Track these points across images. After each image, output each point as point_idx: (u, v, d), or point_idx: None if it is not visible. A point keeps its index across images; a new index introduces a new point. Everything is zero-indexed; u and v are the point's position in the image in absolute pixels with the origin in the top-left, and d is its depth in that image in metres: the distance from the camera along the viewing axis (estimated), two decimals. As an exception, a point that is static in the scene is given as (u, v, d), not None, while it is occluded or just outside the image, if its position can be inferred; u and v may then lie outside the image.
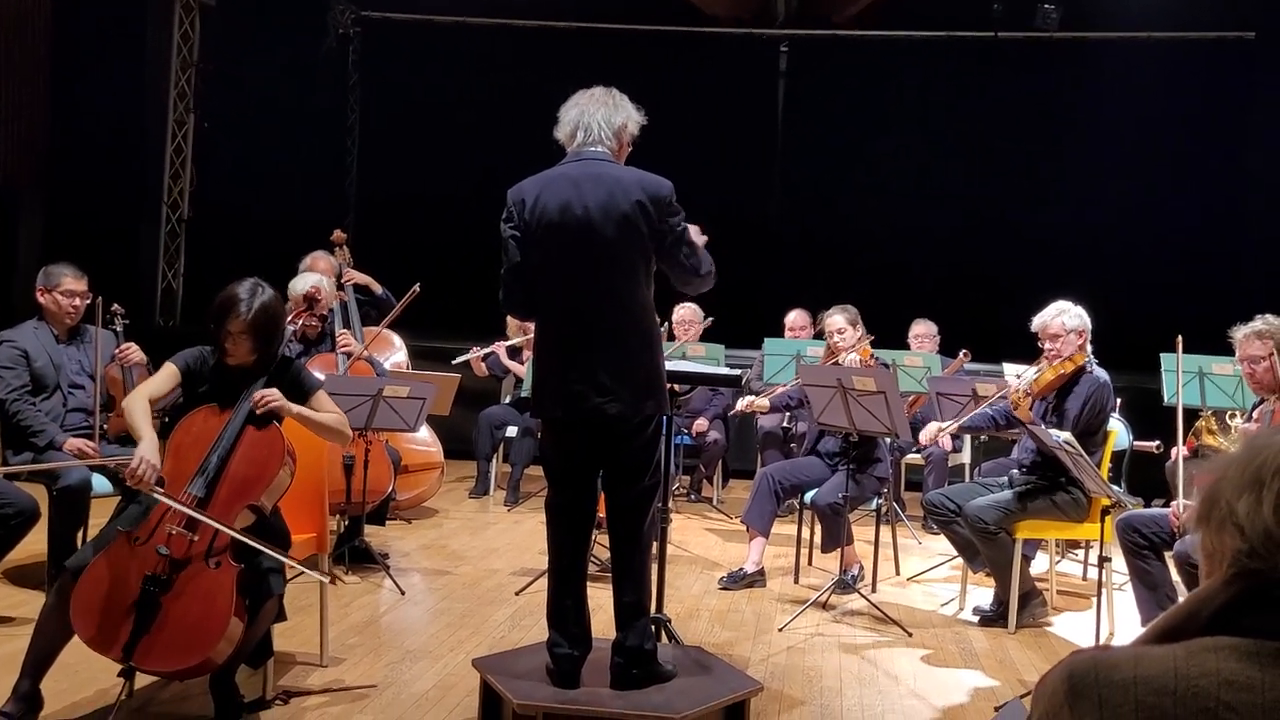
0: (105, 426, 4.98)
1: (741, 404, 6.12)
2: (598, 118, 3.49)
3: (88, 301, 4.98)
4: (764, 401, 6.07)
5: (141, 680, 3.67)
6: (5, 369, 4.79)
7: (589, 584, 3.64)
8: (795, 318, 7.79)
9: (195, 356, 3.63)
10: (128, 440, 5.05)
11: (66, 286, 4.91)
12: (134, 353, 5.03)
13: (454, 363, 7.56)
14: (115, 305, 5.27)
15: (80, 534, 4.72)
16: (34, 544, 4.62)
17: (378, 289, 6.74)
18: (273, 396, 3.49)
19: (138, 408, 3.47)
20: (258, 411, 3.48)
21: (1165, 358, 5.82)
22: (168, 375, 3.60)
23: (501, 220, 3.47)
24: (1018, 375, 5.05)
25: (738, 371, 4.69)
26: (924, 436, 5.26)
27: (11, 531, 4.28)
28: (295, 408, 3.56)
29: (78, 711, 3.49)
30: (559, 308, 3.42)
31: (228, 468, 3.43)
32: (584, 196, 3.35)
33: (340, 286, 6.31)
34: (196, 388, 3.61)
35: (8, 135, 10.91)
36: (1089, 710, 1.15)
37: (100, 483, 4.79)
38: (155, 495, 3.30)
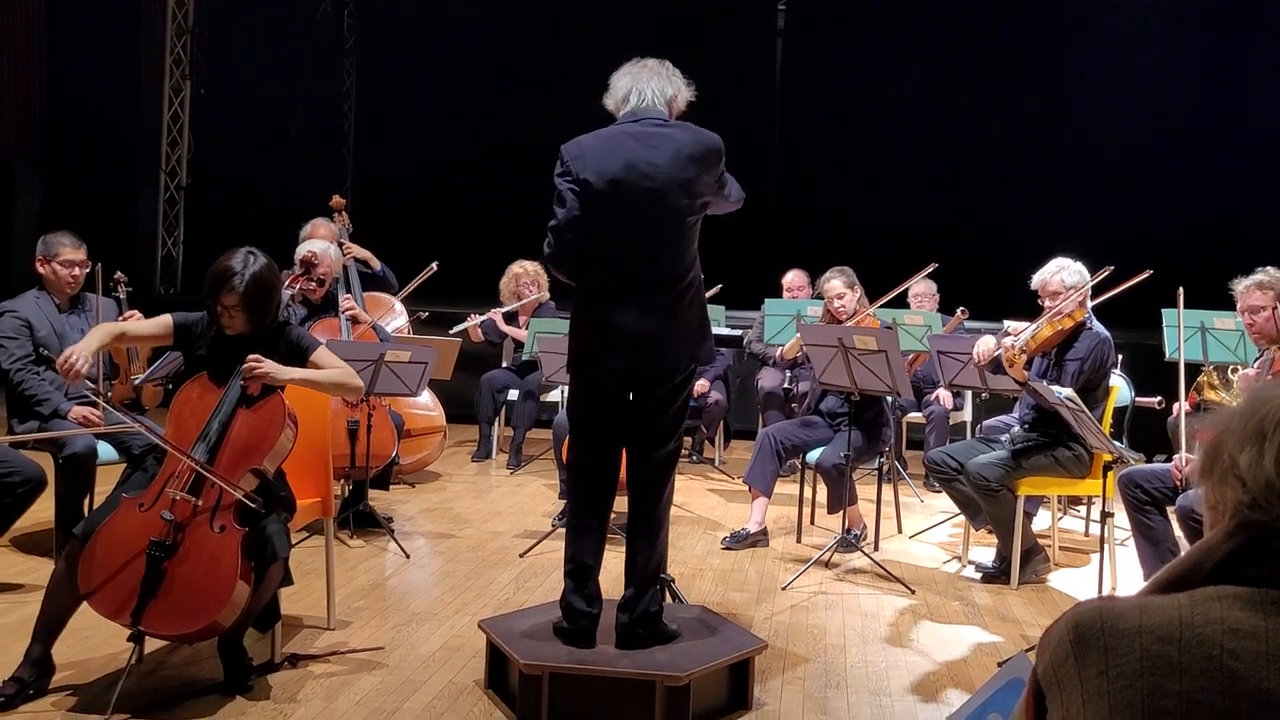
0: (109, 394, 4.99)
1: (788, 346, 6.27)
2: (651, 86, 3.52)
3: (87, 270, 4.98)
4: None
5: (151, 645, 3.71)
6: (8, 339, 4.79)
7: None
8: (793, 278, 7.78)
9: (196, 319, 3.63)
10: (133, 408, 5.07)
11: (65, 256, 4.91)
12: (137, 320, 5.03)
13: (451, 332, 7.56)
14: (118, 273, 5.27)
15: (87, 501, 4.75)
16: (41, 511, 4.65)
17: (376, 265, 6.75)
18: (261, 365, 3.45)
19: (104, 328, 3.56)
20: (245, 380, 3.46)
21: (1167, 313, 5.82)
22: (158, 323, 3.62)
23: (556, 175, 3.46)
24: (1014, 334, 4.99)
25: (738, 332, 4.69)
26: (980, 349, 4.97)
27: (19, 500, 4.30)
28: (289, 373, 3.54)
29: (88, 676, 3.52)
30: (618, 264, 3.43)
31: (229, 433, 3.44)
32: (650, 157, 3.39)
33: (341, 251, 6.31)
34: (194, 350, 3.61)
35: (3, 105, 10.86)
36: (1095, 659, 1.17)
37: (105, 450, 4.80)
38: (110, 409, 3.47)
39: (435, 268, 6.14)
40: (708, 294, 7.59)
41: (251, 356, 3.46)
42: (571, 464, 3.61)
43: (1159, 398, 5.84)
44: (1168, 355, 5.80)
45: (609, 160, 3.39)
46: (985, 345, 5.00)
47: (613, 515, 3.71)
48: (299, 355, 3.63)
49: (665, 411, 3.49)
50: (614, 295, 3.43)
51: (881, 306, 6.14)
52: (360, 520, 5.49)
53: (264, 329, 3.57)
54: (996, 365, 4.95)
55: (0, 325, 4.81)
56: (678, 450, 3.59)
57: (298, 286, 4.03)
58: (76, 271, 4.94)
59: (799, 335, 6.09)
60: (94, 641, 3.72)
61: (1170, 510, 4.47)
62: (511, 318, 7.71)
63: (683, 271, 3.46)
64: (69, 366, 3.33)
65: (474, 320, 7.53)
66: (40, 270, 4.94)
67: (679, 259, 3.45)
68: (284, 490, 3.64)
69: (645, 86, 3.50)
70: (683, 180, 3.39)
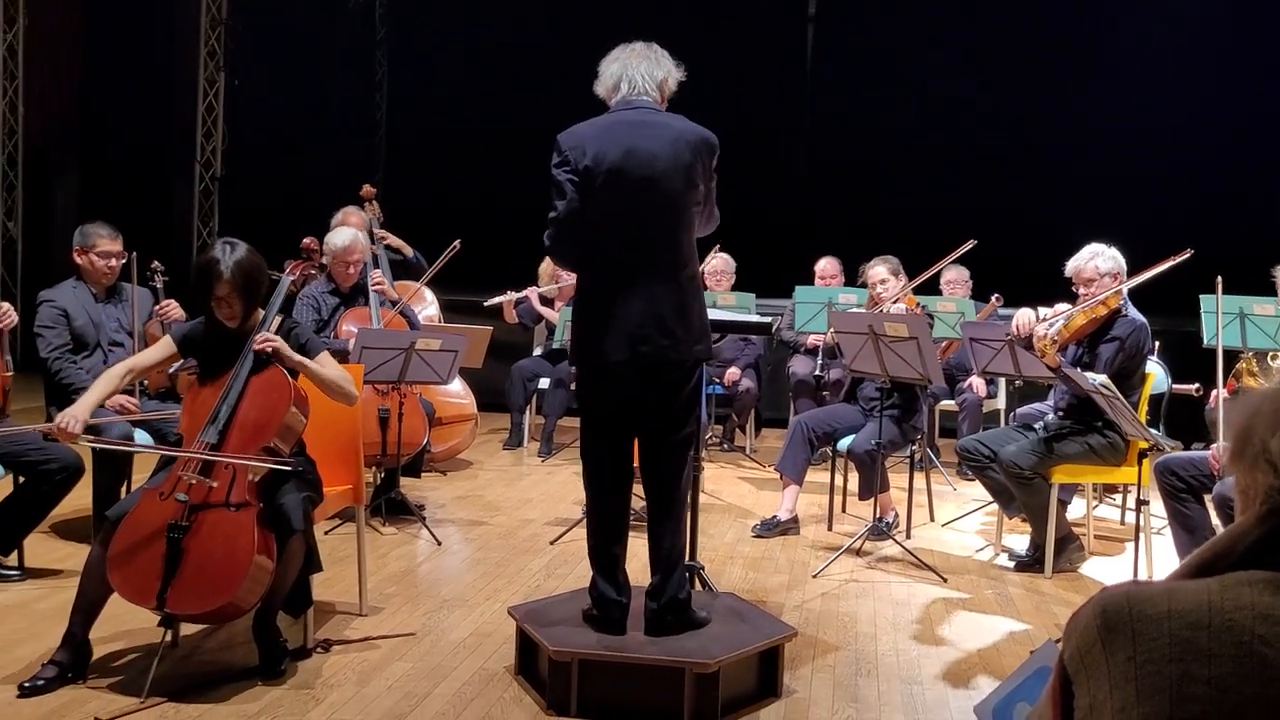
0: (145, 383, 5.04)
1: (828, 335, 6.21)
2: (640, 70, 3.50)
3: (123, 261, 5.03)
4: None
5: (187, 630, 3.76)
6: (46, 328, 4.85)
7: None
8: (826, 265, 7.74)
9: (193, 327, 3.73)
10: (168, 396, 5.13)
11: (102, 248, 4.96)
12: (174, 309, 5.08)
13: (486, 304, 7.58)
14: (155, 262, 5.32)
15: (124, 488, 4.81)
16: (79, 499, 4.71)
17: (408, 251, 6.80)
18: (273, 338, 3.57)
19: (105, 375, 3.69)
20: (256, 347, 3.54)
21: (1205, 299, 5.74)
22: (162, 346, 3.74)
23: (553, 165, 3.46)
24: (1047, 321, 4.90)
25: (767, 319, 4.67)
26: (1019, 320, 4.87)
27: (57, 487, 4.37)
28: (294, 354, 3.61)
29: (125, 659, 3.57)
30: (619, 253, 3.42)
31: (237, 414, 3.50)
32: (649, 144, 3.38)
33: (372, 240, 6.35)
34: (202, 352, 3.69)
35: (42, 97, 10.99)
36: (1122, 645, 1.15)
37: (142, 437, 4.85)
38: (90, 441, 3.72)
39: (458, 246, 6.14)
40: (733, 280, 7.68)
41: (263, 335, 3.56)
42: (586, 453, 3.60)
43: (1196, 385, 5.77)
44: (1206, 342, 5.72)
45: (607, 148, 3.38)
46: (1026, 317, 4.89)
47: (637, 506, 3.71)
48: (303, 354, 3.69)
49: (675, 397, 3.48)
50: (615, 284, 3.42)
51: (916, 291, 6.07)
52: (392, 508, 5.52)
53: (254, 311, 3.64)
54: (1030, 342, 4.88)
55: (39, 315, 4.88)
56: (693, 435, 3.59)
57: (299, 273, 4.07)
58: (113, 263, 4.99)
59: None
60: (130, 626, 3.77)
61: (1207, 498, 4.41)
62: (548, 301, 7.72)
63: (683, 260, 3.44)
64: (61, 430, 3.49)
65: (510, 296, 7.55)
66: (78, 260, 4.99)
67: (679, 247, 3.43)
68: (310, 474, 3.68)
69: (634, 72, 3.49)
70: (680, 167, 3.38)
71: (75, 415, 3.49)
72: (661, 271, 3.40)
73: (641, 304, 3.38)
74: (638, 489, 3.69)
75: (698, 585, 4.06)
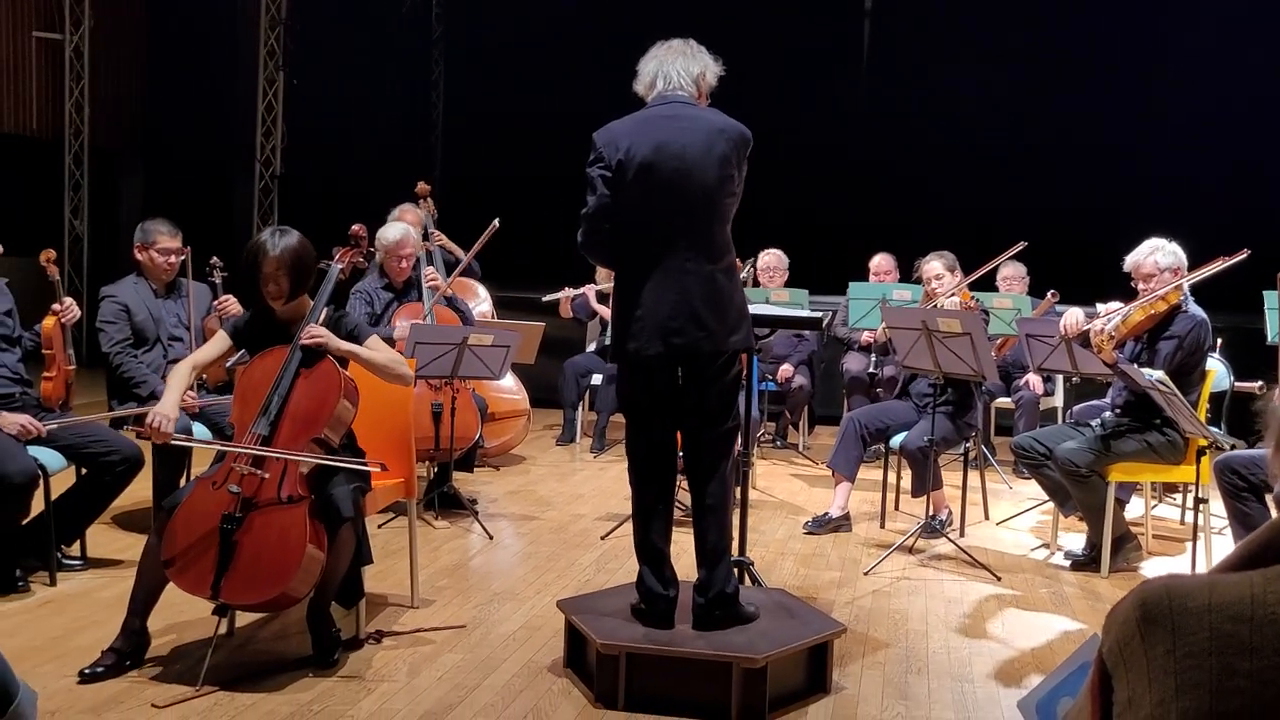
0: (204, 376, 5.13)
1: (880, 330, 6.17)
2: (676, 66, 3.51)
3: (183, 258, 5.13)
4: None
5: (243, 620, 3.83)
6: (108, 323, 4.96)
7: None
8: (880, 261, 7.67)
9: (242, 318, 3.82)
10: (226, 389, 5.22)
11: (162, 244, 5.06)
12: (232, 305, 5.17)
13: (544, 300, 7.63)
14: (214, 258, 5.42)
15: (182, 479, 4.89)
16: (140, 490, 4.81)
17: (460, 255, 6.84)
18: (319, 331, 3.62)
19: (175, 373, 3.75)
20: (303, 342, 3.60)
21: (1268, 295, 5.62)
22: (217, 340, 3.80)
23: (588, 163, 3.48)
24: (1103, 318, 4.83)
25: (818, 314, 4.65)
26: (1068, 320, 4.90)
27: (117, 478, 4.46)
28: (342, 343, 3.66)
29: (181, 648, 3.64)
30: (652, 246, 3.42)
31: (288, 405, 3.56)
32: (681, 137, 3.39)
33: (426, 237, 6.42)
34: (254, 343, 3.75)
35: (106, 97, 11.25)
36: (1161, 638, 1.13)
37: (200, 430, 4.94)
38: (182, 442, 3.78)
39: (497, 225, 6.17)
40: (787, 277, 7.64)
41: (310, 326, 3.62)
42: (628, 448, 3.61)
43: (1260, 382, 5.64)
44: (1270, 339, 5.59)
45: (640, 143, 3.39)
46: (1074, 317, 4.86)
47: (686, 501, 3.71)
48: (354, 342, 3.74)
49: (714, 390, 3.47)
50: (648, 277, 3.42)
51: (972, 287, 6.01)
52: (445, 502, 5.57)
53: (302, 294, 3.70)
54: (1087, 340, 4.81)
55: (101, 310, 4.99)
56: (734, 430, 3.58)
57: (347, 260, 4.11)
58: (173, 259, 5.09)
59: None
60: (187, 615, 3.84)
61: (1269, 497, 4.31)
62: (604, 298, 7.74)
63: (718, 252, 3.44)
64: (154, 430, 3.53)
65: (568, 292, 7.59)
66: (138, 257, 5.10)
67: (712, 239, 3.43)
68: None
69: (670, 68, 3.50)
70: (713, 160, 3.38)
71: (165, 415, 3.54)
72: (695, 263, 3.39)
73: (674, 296, 3.38)
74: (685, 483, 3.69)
75: (747, 581, 4.05)
